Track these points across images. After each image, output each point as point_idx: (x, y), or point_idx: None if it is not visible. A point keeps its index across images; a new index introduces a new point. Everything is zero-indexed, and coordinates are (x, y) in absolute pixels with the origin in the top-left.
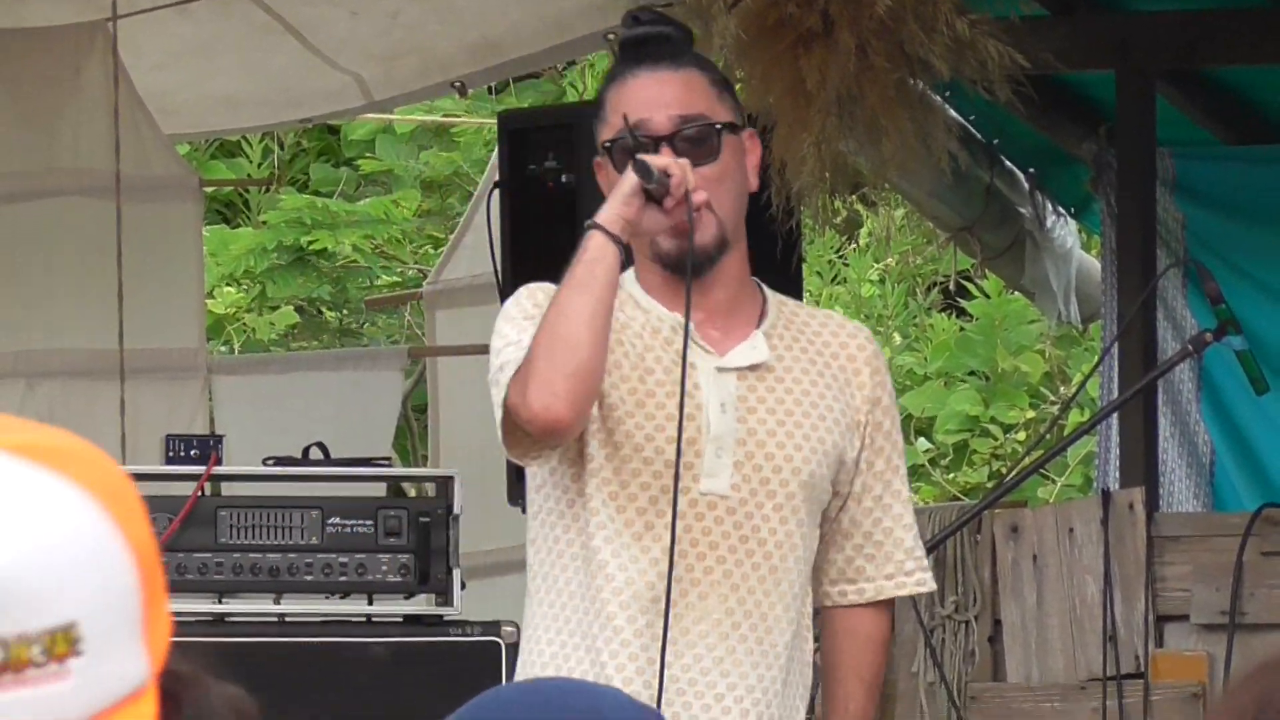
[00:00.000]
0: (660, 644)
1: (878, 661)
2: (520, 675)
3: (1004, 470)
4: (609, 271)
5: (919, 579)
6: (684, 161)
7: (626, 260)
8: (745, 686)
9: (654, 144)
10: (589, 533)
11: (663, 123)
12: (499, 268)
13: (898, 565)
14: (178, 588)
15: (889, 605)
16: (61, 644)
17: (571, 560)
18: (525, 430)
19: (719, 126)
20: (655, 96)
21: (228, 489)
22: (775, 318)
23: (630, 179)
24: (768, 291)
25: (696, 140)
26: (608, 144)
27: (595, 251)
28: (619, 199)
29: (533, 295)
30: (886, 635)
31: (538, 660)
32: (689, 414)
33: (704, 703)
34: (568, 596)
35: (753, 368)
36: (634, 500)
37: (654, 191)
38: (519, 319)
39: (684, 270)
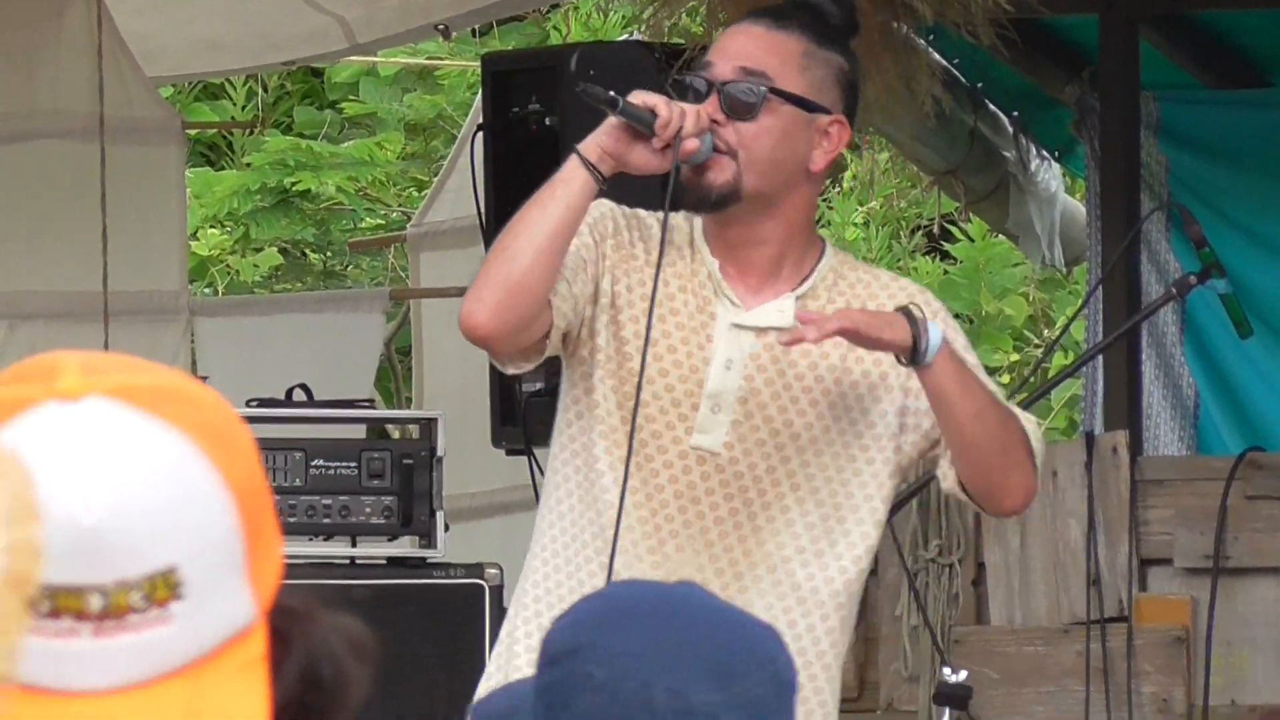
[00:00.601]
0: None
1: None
2: (513, 601)
3: None
4: (571, 194)
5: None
6: (691, 107)
7: (615, 195)
8: None
9: (706, 87)
10: (597, 473)
11: (725, 71)
12: (482, 210)
13: None
14: None
15: None
16: (162, 589)
17: (583, 496)
18: None
19: (766, 89)
20: (735, 47)
21: None
22: (821, 281)
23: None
24: (830, 257)
25: (741, 95)
26: (674, 79)
27: (564, 173)
28: (602, 128)
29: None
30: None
31: (530, 593)
32: (694, 365)
33: None
34: (571, 535)
35: (775, 329)
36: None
37: (639, 128)
38: None
39: (700, 208)
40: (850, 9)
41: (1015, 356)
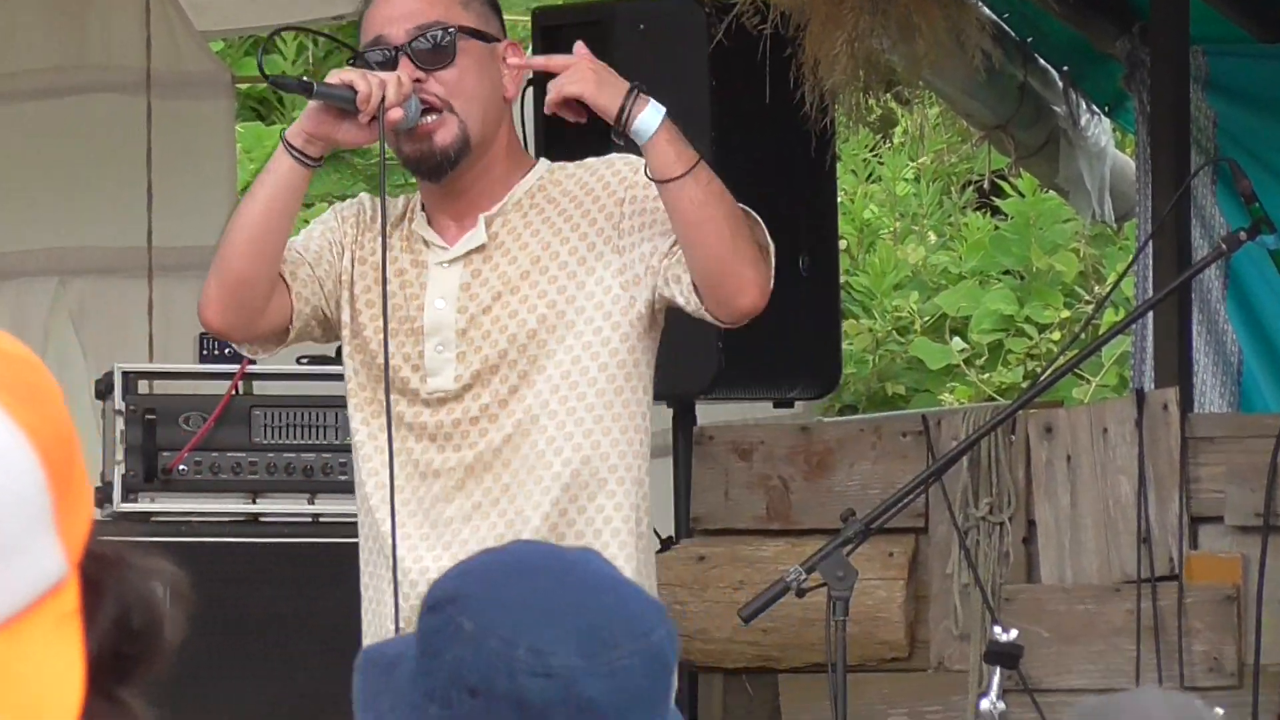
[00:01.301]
0: (396, 548)
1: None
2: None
3: (1039, 370)
4: (279, 181)
5: None
6: (390, 75)
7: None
8: None
9: (392, 54)
10: (355, 450)
11: (398, 35)
12: None
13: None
14: (211, 488)
15: None
16: None
17: (354, 463)
18: None
19: (452, 31)
20: (396, 10)
21: (261, 388)
22: (525, 193)
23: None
24: (540, 168)
25: (432, 48)
26: (350, 60)
27: (271, 163)
28: (304, 112)
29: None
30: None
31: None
32: (412, 315)
33: None
34: (361, 516)
35: (478, 251)
36: (373, 407)
37: (342, 106)
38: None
39: (428, 175)
40: None
41: (1066, 313)
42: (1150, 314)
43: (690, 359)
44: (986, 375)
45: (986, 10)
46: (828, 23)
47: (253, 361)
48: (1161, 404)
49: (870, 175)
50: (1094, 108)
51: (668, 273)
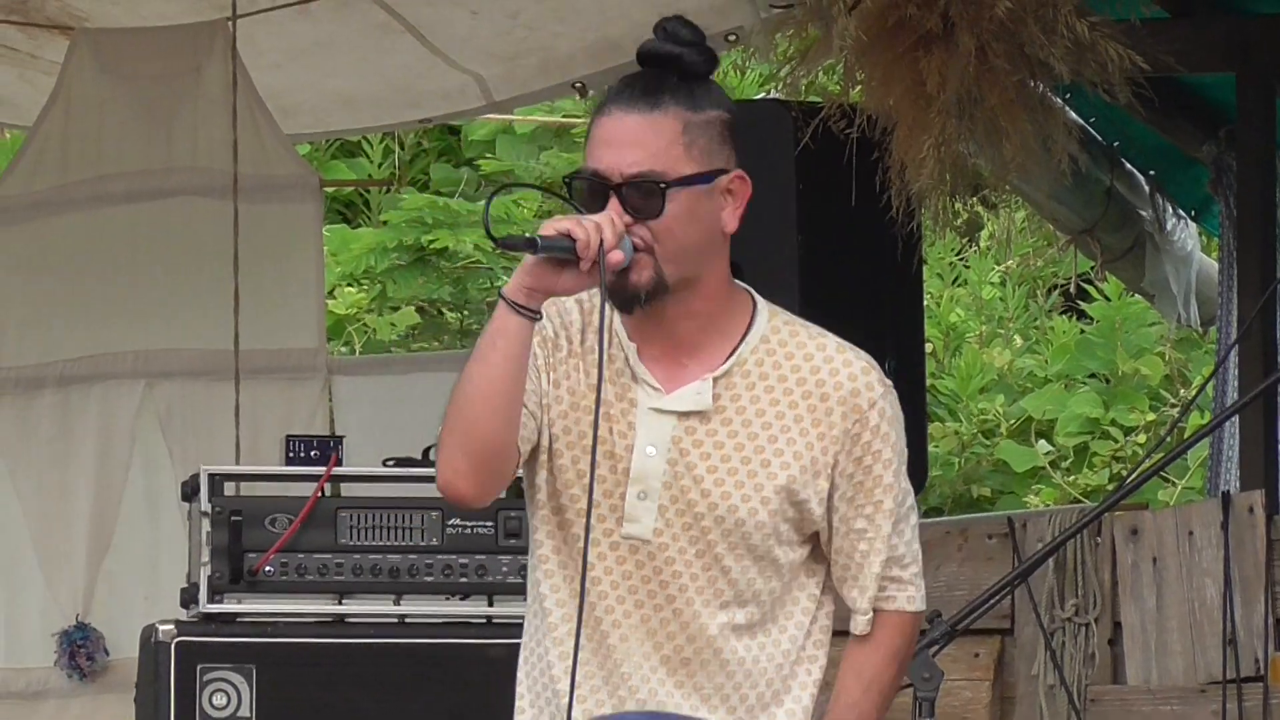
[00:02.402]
0: (574, 679)
1: (877, 664)
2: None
3: (1124, 473)
4: (510, 342)
5: (889, 594)
6: (604, 217)
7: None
8: None
9: (604, 189)
10: (535, 564)
11: (613, 172)
12: None
13: (861, 590)
14: (297, 589)
15: (894, 620)
16: None
17: (532, 586)
18: None
19: (664, 186)
20: (616, 142)
21: (348, 490)
22: (751, 352)
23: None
24: (760, 318)
25: (641, 196)
26: (567, 179)
27: (496, 323)
28: (522, 267)
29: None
30: (892, 643)
31: (520, 677)
32: (619, 454)
33: None
34: (533, 627)
35: (695, 412)
36: (570, 540)
37: (560, 256)
38: None
39: (619, 306)
40: (704, 46)
41: (1151, 416)
42: (1235, 417)
43: None
44: (1072, 478)
45: (1073, 115)
46: (914, 127)
47: (339, 463)
48: (1247, 507)
49: (956, 279)
50: (1180, 212)
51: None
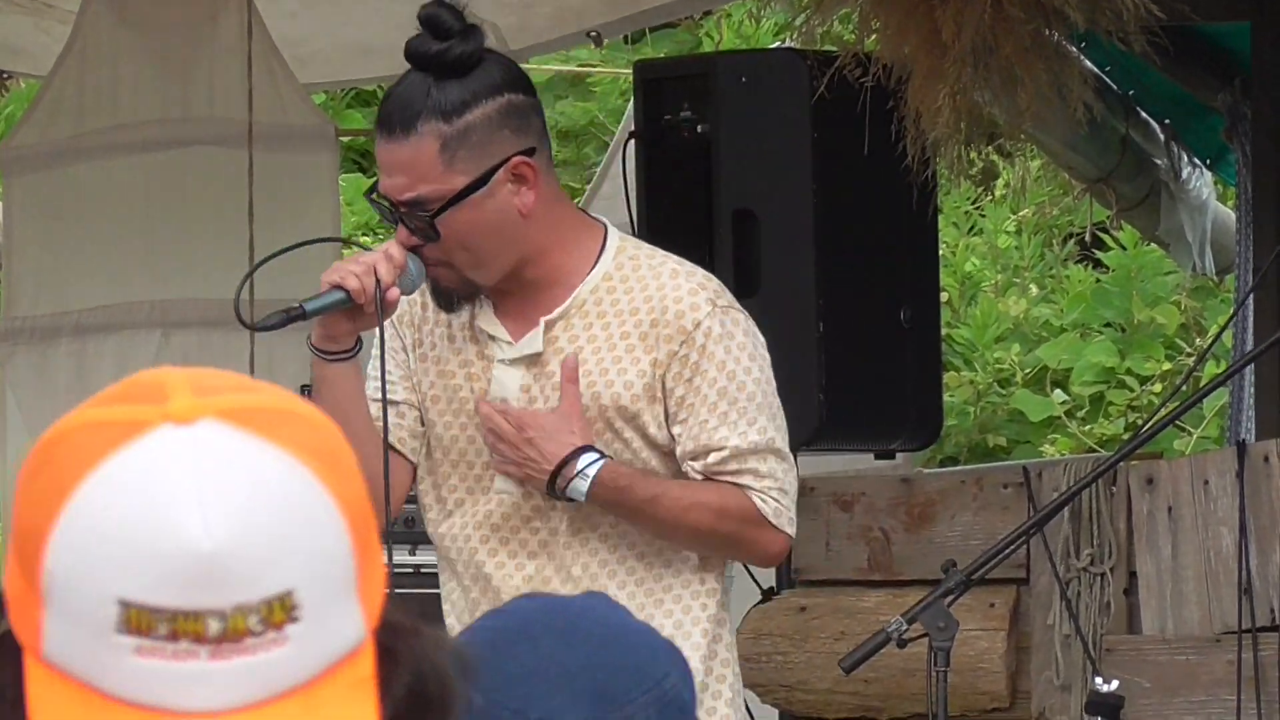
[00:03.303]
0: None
1: (703, 486)
2: None
3: (1140, 422)
4: (333, 388)
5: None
6: (378, 254)
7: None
8: None
9: (391, 210)
10: (430, 517)
11: (394, 198)
12: (634, 218)
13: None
14: None
15: (743, 495)
16: (279, 612)
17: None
18: None
19: (431, 215)
20: (385, 169)
21: None
22: (588, 293)
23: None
24: (607, 254)
25: (414, 225)
26: (367, 193)
27: (315, 374)
28: (316, 324)
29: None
30: (728, 496)
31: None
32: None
33: None
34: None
35: (534, 357)
36: (454, 490)
37: (346, 310)
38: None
39: (459, 307)
40: (469, 30)
41: (1167, 365)
42: (1251, 366)
43: (791, 411)
44: (1088, 427)
45: (1089, 64)
46: (930, 76)
47: None
48: (1263, 456)
49: (972, 228)
50: (1195, 161)
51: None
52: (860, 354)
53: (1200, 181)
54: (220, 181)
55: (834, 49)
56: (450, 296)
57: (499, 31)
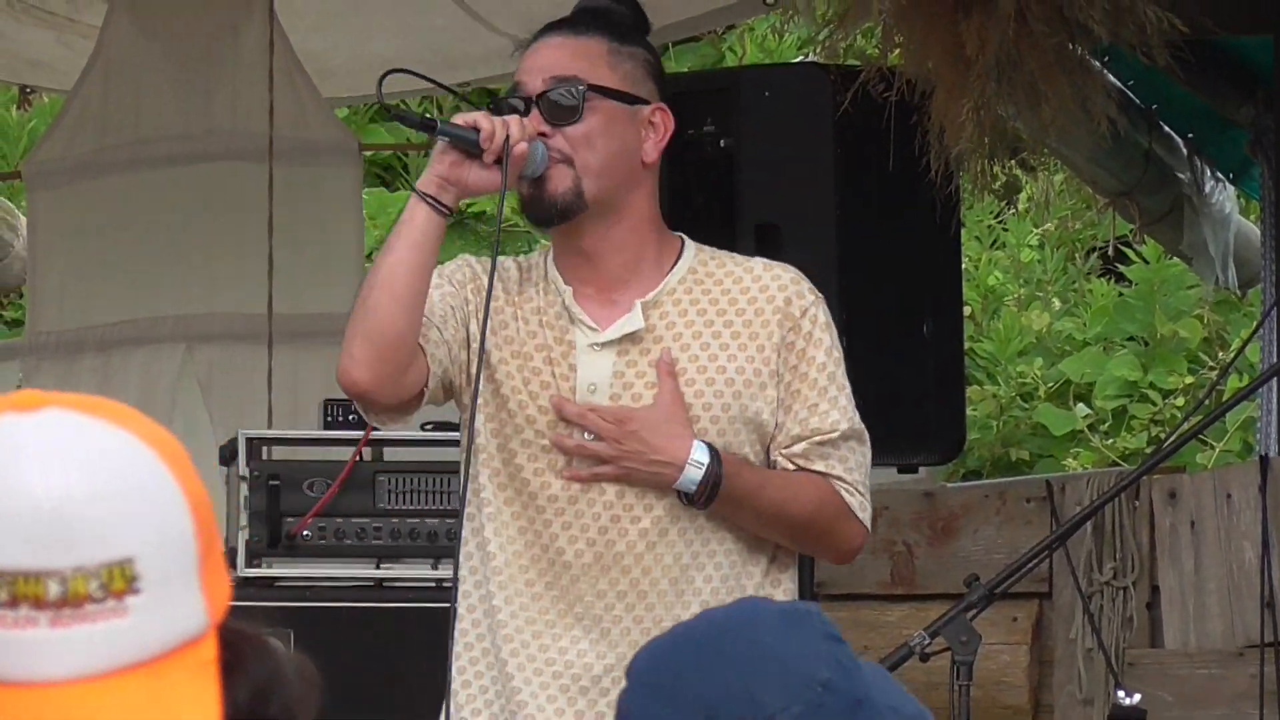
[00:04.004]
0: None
1: (798, 475)
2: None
3: (1163, 436)
4: (415, 231)
5: (833, 420)
6: (514, 117)
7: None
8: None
9: (523, 105)
10: (480, 511)
11: (535, 85)
12: None
13: (788, 435)
14: (336, 553)
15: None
16: (119, 579)
17: (474, 533)
18: None
19: (584, 88)
20: (541, 61)
21: (386, 454)
22: (679, 281)
23: (440, 141)
24: (688, 253)
25: (561, 99)
26: (489, 105)
27: (405, 214)
28: (432, 157)
29: (459, 267)
30: (821, 486)
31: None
32: (564, 396)
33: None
34: (469, 569)
35: (632, 339)
36: (512, 481)
37: (467, 148)
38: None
39: (548, 222)
40: (637, 7)
41: (1190, 379)
42: (1275, 380)
43: None
44: (1110, 441)
45: (1112, 78)
46: (953, 90)
47: (376, 427)
48: None
49: (995, 242)
50: (1218, 174)
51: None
52: (883, 367)
53: (1223, 195)
54: (244, 195)
55: (857, 63)
56: (552, 205)
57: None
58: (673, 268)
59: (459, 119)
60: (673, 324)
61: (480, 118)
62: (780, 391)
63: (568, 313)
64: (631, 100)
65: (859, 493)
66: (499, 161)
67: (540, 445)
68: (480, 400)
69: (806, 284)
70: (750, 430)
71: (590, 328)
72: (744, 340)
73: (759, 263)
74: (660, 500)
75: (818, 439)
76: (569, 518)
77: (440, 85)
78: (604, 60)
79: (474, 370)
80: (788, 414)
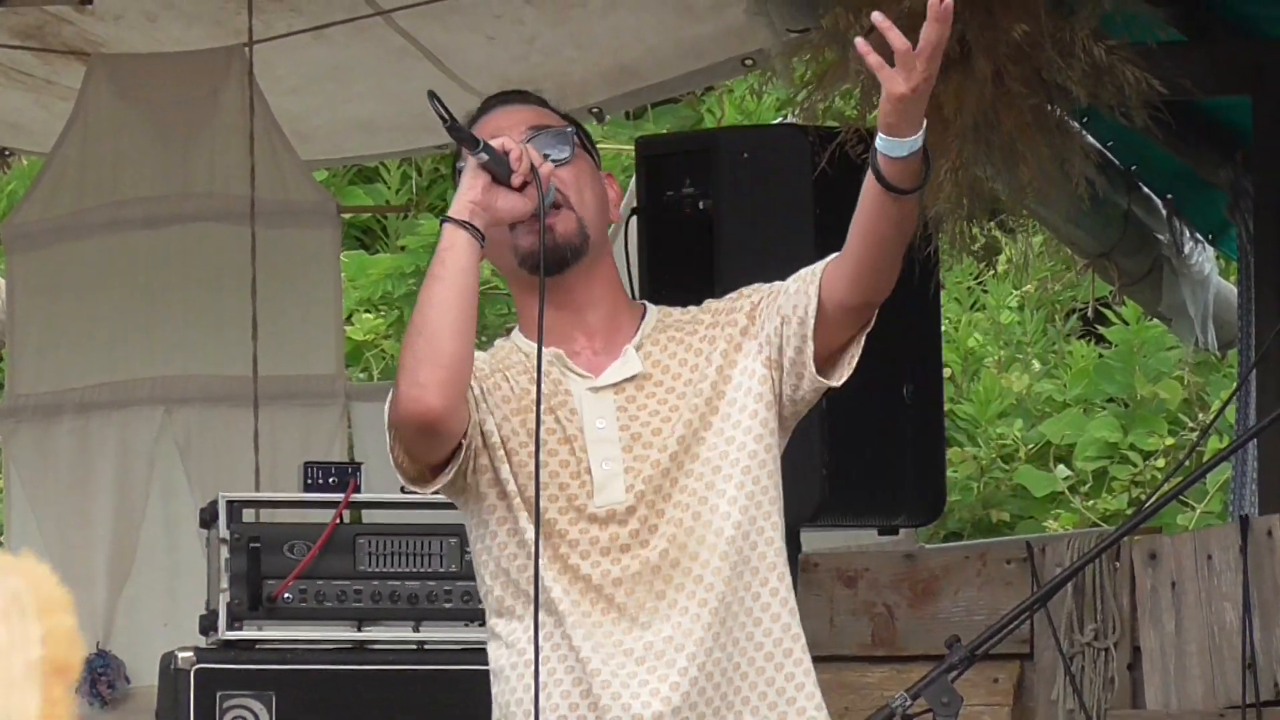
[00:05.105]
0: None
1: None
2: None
3: (1143, 497)
4: (461, 257)
5: None
6: (528, 144)
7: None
8: (675, 668)
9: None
10: (515, 566)
11: (519, 131)
12: (636, 294)
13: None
14: (317, 615)
15: None
16: None
17: (506, 590)
18: (405, 443)
19: (570, 129)
20: (510, 120)
21: (367, 516)
22: (654, 328)
23: (471, 167)
24: (652, 307)
25: (554, 137)
26: (459, 164)
27: (444, 242)
28: (463, 186)
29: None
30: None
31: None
32: (571, 435)
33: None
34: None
35: (629, 380)
36: (542, 527)
37: (497, 171)
38: None
39: (562, 264)
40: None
41: (1170, 440)
42: (1254, 441)
43: (795, 487)
44: (1091, 502)
45: (1090, 139)
46: (931, 151)
47: (357, 489)
48: (1266, 530)
49: (974, 303)
50: (1197, 236)
51: (786, 317)
52: (863, 430)
53: (1202, 256)
54: (222, 257)
55: (835, 124)
56: (567, 246)
57: None
58: (643, 318)
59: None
60: (658, 361)
61: (506, 140)
62: (772, 342)
63: (559, 365)
64: (595, 158)
65: None
66: (522, 186)
67: (565, 495)
68: (487, 476)
69: (755, 287)
70: (762, 414)
71: (583, 375)
72: (719, 345)
73: (707, 304)
74: (683, 492)
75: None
76: (600, 544)
77: (463, 137)
78: (563, 122)
79: (483, 461)
80: (781, 315)
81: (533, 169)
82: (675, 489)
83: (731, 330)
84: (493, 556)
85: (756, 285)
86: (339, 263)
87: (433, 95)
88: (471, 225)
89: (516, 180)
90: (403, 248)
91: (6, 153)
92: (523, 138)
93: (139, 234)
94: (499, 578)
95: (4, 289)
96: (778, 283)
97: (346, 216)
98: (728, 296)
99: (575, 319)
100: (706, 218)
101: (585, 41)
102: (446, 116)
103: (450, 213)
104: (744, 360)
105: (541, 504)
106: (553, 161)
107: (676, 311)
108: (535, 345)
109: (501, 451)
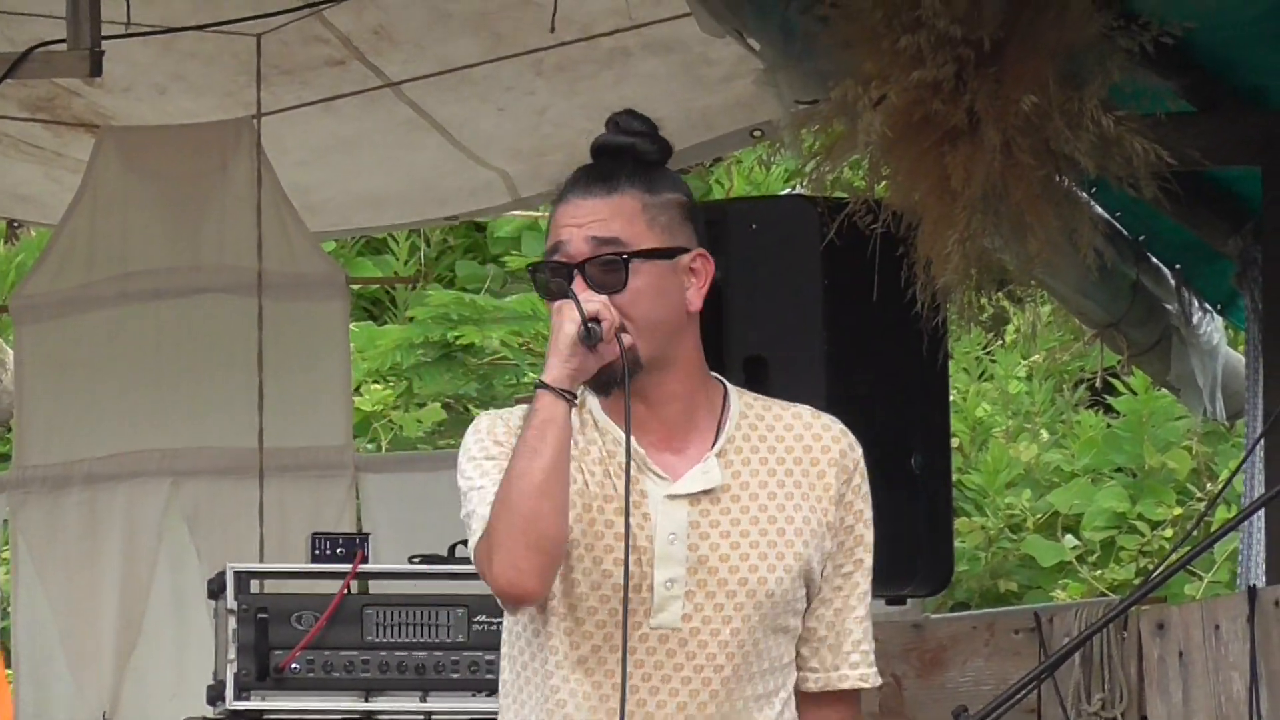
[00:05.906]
0: None
1: None
2: None
3: (1151, 567)
4: (560, 431)
5: (861, 674)
6: (604, 299)
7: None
8: None
9: (567, 270)
10: (547, 664)
11: (577, 246)
12: None
13: (844, 657)
14: (325, 685)
15: (849, 694)
16: None
17: (535, 689)
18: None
19: (626, 258)
20: (581, 215)
21: (374, 586)
22: (735, 428)
23: (568, 334)
24: (732, 396)
25: (605, 269)
26: (529, 268)
27: (545, 413)
28: (562, 354)
29: (492, 431)
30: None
31: None
32: (641, 545)
33: None
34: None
35: (705, 492)
36: (589, 637)
37: (589, 338)
38: (480, 459)
39: (595, 389)
40: (657, 136)
41: (1178, 510)
42: (1262, 511)
43: None
44: (1099, 572)
45: (1099, 209)
46: (939, 222)
47: (365, 560)
48: (1274, 601)
49: (983, 373)
50: (1206, 306)
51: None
52: (872, 500)
53: (1211, 327)
54: (230, 329)
55: (844, 195)
56: (611, 376)
57: (510, 179)
58: (724, 411)
59: (572, 313)
60: (738, 473)
61: (601, 308)
62: (833, 546)
63: (636, 460)
64: (672, 254)
65: (874, 671)
66: (599, 348)
67: (612, 600)
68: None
69: (852, 437)
70: (804, 582)
71: (661, 477)
72: (805, 490)
73: (806, 410)
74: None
75: (844, 686)
76: (648, 665)
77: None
78: (640, 218)
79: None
80: (832, 563)
81: (617, 335)
82: (737, 640)
83: (823, 505)
84: (510, 634)
85: (866, 514)
86: (348, 334)
87: (535, 268)
88: (569, 393)
89: (601, 347)
90: (411, 319)
91: (15, 225)
92: (582, 254)
93: (148, 306)
94: (506, 658)
95: (12, 361)
96: (868, 540)
97: (355, 288)
98: (836, 449)
99: (650, 413)
100: (715, 288)
101: (596, 112)
102: (541, 274)
103: (547, 379)
104: (815, 554)
105: (598, 617)
106: (599, 290)
107: (758, 405)
108: (620, 430)
109: (570, 546)
